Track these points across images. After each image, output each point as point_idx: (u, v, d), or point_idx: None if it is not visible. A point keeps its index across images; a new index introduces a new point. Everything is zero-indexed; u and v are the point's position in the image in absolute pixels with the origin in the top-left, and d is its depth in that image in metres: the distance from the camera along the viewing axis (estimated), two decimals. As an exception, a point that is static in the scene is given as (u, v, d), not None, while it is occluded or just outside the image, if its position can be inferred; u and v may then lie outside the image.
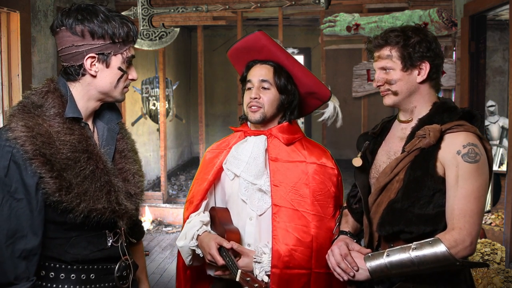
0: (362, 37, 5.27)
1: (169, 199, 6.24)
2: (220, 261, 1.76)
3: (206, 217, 1.94)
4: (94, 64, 1.46)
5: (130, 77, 1.54)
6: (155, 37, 4.94)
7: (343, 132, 9.45)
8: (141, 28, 4.98)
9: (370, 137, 1.82)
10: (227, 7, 5.01)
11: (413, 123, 1.69)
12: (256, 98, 1.86)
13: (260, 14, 6.43)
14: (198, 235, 1.88)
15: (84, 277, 1.47)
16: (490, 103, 5.94)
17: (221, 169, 1.96)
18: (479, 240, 3.51)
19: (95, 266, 1.50)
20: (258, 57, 1.93)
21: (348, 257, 1.62)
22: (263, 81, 1.88)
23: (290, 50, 2.03)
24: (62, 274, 1.45)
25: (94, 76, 1.47)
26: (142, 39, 4.92)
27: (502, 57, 7.91)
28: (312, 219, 1.81)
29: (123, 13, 5.32)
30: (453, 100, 4.19)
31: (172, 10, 5.02)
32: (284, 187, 1.84)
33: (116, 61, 1.49)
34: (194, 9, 4.95)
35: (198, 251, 1.88)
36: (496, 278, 3.38)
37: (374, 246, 1.70)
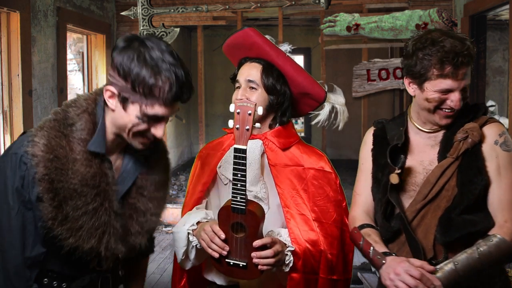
0: (362, 37, 5.26)
1: (169, 199, 6.23)
2: (222, 234, 1.62)
3: (210, 213, 1.84)
4: (113, 98, 1.35)
5: (153, 131, 1.36)
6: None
7: (343, 132, 9.42)
8: (141, 28, 4.98)
9: (399, 149, 1.69)
10: (227, 7, 5.01)
11: (443, 129, 1.66)
12: (241, 99, 1.73)
13: (260, 14, 6.43)
14: (199, 221, 1.75)
15: (65, 286, 1.49)
16: (490, 103, 5.93)
17: (215, 172, 1.88)
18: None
19: (76, 278, 1.50)
20: (249, 55, 1.84)
21: (424, 277, 1.46)
22: (249, 81, 1.79)
23: (285, 47, 1.88)
24: (46, 279, 1.46)
25: (113, 110, 1.37)
26: (142, 39, 4.92)
27: (502, 57, 7.91)
28: (313, 224, 1.77)
29: (123, 13, 5.33)
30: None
31: (172, 10, 5.02)
32: (288, 191, 1.78)
33: (134, 110, 1.32)
34: (194, 9, 4.95)
35: (194, 241, 1.74)
36: (496, 278, 3.37)
37: (421, 259, 1.57)
